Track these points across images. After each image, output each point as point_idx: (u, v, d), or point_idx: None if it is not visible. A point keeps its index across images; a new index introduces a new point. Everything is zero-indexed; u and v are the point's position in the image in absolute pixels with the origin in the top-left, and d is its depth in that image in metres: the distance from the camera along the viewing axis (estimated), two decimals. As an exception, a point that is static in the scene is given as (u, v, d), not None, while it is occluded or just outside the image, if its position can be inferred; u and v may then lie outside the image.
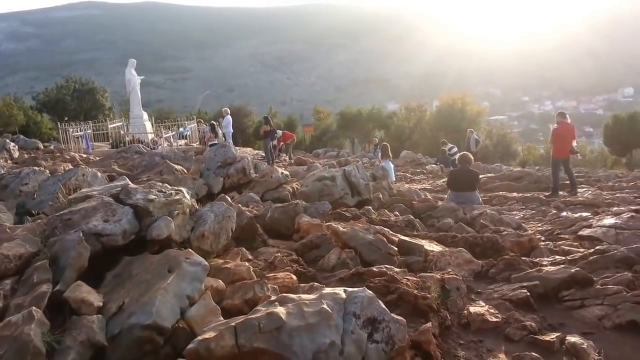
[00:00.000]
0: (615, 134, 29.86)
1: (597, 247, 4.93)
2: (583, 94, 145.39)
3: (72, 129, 20.30)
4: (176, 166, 8.12)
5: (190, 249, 3.16)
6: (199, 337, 2.32)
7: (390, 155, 14.56)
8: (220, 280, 3.14)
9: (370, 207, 6.71)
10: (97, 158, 14.88)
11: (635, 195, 10.39)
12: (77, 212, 3.41)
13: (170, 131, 22.37)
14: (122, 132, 21.91)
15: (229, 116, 20.66)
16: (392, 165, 13.67)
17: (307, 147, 33.49)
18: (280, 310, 2.38)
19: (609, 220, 6.48)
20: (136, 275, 2.98)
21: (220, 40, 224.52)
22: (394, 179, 13.05)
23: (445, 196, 8.89)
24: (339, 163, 16.53)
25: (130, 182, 3.97)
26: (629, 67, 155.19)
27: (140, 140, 20.34)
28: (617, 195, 10.32)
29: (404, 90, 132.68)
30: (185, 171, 8.11)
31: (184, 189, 3.71)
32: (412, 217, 6.36)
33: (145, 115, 23.09)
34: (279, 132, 20.70)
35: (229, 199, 5.98)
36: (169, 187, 3.67)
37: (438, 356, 2.90)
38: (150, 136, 21.37)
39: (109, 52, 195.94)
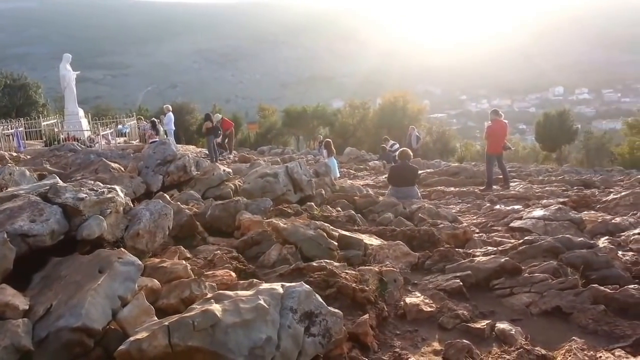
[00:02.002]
0: (546, 131, 31.45)
1: (526, 238, 5.19)
2: (517, 93, 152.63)
3: (2, 127, 19.09)
4: (113, 164, 7.82)
5: (123, 249, 3.07)
6: (131, 338, 2.26)
7: (334, 152, 14.73)
8: (155, 280, 3.07)
9: (312, 203, 6.76)
10: (29, 157, 14.07)
11: (563, 188, 11.06)
12: (1, 212, 3.23)
13: (108, 128, 21.52)
14: (56, 130, 20.86)
15: (171, 113, 20.19)
16: (335, 162, 13.83)
17: (252, 145, 33.16)
18: (216, 308, 2.36)
19: (538, 212, 6.86)
20: (65, 276, 2.86)
21: (162, 35, 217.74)
22: (338, 175, 13.20)
23: (386, 191, 9.09)
24: (284, 160, 16.50)
25: (59, 181, 3.79)
26: (559, 68, 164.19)
27: (76, 138, 19.44)
28: (547, 188, 10.93)
29: (348, 88, 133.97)
30: (123, 169, 7.83)
31: (117, 187, 3.58)
32: (353, 212, 6.46)
33: (81, 112, 22.08)
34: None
35: (167, 197, 5.84)
36: (101, 185, 3.53)
37: (375, 347, 2.97)
38: (87, 134, 20.48)
39: (43, 47, 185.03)
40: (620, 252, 4.81)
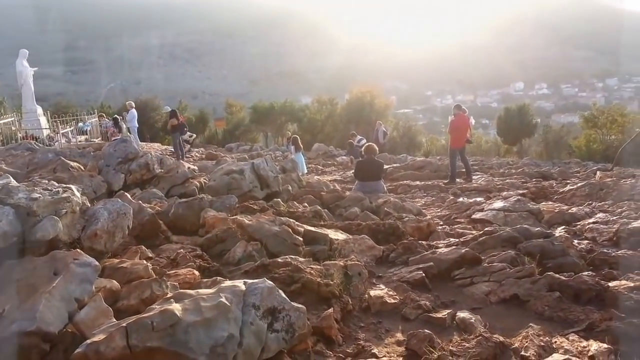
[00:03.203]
0: (507, 125, 32.32)
1: (486, 229, 5.31)
2: (479, 88, 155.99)
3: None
4: (72, 163, 7.59)
5: (80, 250, 2.98)
6: (88, 341, 2.20)
7: (302, 147, 14.73)
8: (114, 281, 3.00)
9: (279, 200, 6.73)
10: (-17, 157, 13.52)
11: (522, 180, 11.38)
12: (-51, 215, 3.09)
13: (68, 126, 20.90)
14: (13, 128, 20.14)
15: (134, 110, 19.79)
16: (302, 158, 13.83)
17: (220, 142, 32.79)
18: (176, 307, 2.32)
19: (499, 204, 7.03)
20: (19, 279, 2.76)
21: (125, 30, 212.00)
22: (306, 171, 13.22)
23: (353, 186, 9.15)
24: (252, 157, 16.37)
25: (12, 180, 3.65)
26: (519, 65, 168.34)
27: (34, 136, 18.82)
28: (507, 180, 11.23)
29: (316, 85, 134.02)
30: (83, 168, 7.61)
31: (73, 187, 3.48)
32: (319, 207, 6.46)
33: (39, 110, 21.38)
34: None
35: (128, 195, 5.71)
36: (56, 184, 3.42)
37: (339, 340, 2.99)
38: (46, 132, 19.85)
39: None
40: (575, 241, 4.99)
